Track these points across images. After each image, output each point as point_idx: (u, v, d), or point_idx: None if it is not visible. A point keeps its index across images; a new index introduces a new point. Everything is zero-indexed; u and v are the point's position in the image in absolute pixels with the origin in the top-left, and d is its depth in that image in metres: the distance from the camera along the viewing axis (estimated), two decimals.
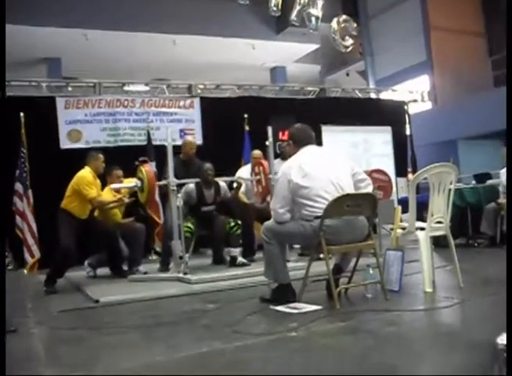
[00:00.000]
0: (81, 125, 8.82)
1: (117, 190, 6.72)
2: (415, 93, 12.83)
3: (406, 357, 2.77)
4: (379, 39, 17.79)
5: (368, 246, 4.32)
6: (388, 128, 11.31)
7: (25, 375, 2.84)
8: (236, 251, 6.49)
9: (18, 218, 7.75)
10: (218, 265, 6.70)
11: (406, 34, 16.40)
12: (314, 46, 17.75)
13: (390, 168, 10.56)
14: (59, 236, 5.87)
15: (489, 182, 8.13)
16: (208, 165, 6.55)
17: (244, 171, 6.99)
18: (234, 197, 6.82)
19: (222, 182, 6.68)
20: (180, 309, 4.36)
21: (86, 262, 6.86)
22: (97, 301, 4.87)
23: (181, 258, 5.88)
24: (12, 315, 4.32)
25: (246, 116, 9.39)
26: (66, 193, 6.06)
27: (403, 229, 4.74)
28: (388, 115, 11.30)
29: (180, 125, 9.31)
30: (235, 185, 6.75)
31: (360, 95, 12.03)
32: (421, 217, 4.85)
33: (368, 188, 4.39)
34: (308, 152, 4.39)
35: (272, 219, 4.34)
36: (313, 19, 10.55)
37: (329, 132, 10.21)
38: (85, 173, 6.09)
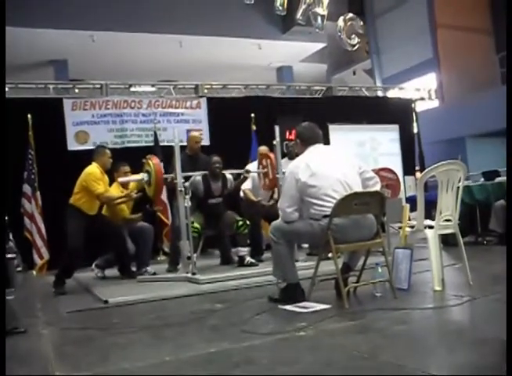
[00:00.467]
0: (88, 127, 8.84)
1: (125, 184, 6.70)
2: (422, 91, 12.78)
3: (415, 355, 2.76)
4: (385, 37, 17.73)
5: (376, 244, 4.31)
6: (396, 127, 11.28)
7: (26, 375, 2.85)
8: (244, 251, 6.48)
9: (27, 220, 7.81)
10: (227, 265, 6.70)
11: (413, 32, 16.34)
12: (320, 45, 17.72)
13: (397, 166, 10.53)
14: (66, 233, 5.87)
15: (498, 179, 8.08)
16: (216, 158, 6.54)
17: (251, 168, 6.98)
18: (237, 187, 6.80)
19: (229, 174, 6.68)
20: (189, 309, 4.36)
21: (94, 264, 6.87)
22: (106, 302, 4.88)
23: (189, 258, 5.89)
24: (21, 316, 4.35)
25: (253, 116, 9.40)
26: (74, 189, 6.06)
27: (412, 227, 4.72)
28: (395, 113, 11.27)
29: (187, 126, 9.31)
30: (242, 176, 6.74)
31: (367, 93, 12.01)
32: (429, 215, 4.83)
33: (376, 186, 4.38)
34: (315, 151, 4.38)
35: (279, 219, 4.33)
36: (319, 18, 10.55)
37: (336, 131, 10.19)
38: (93, 169, 6.08)
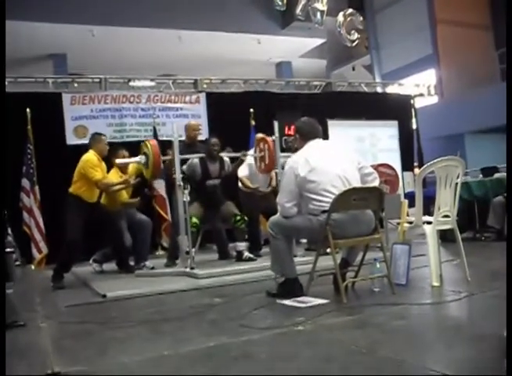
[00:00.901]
0: (87, 121, 8.83)
1: (124, 168, 6.66)
2: (421, 87, 12.78)
3: (414, 351, 2.77)
4: (385, 33, 17.72)
5: (375, 240, 4.32)
6: (395, 123, 11.29)
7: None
8: (243, 245, 6.49)
9: (25, 214, 7.81)
10: (225, 260, 6.71)
11: (412, 27, 16.33)
12: (320, 41, 17.71)
13: (396, 162, 10.54)
14: (65, 226, 5.88)
15: (496, 175, 8.09)
16: (215, 140, 6.54)
17: (248, 157, 6.96)
18: (235, 170, 6.79)
19: (226, 157, 6.68)
20: (187, 304, 4.37)
21: (91, 259, 6.87)
22: (104, 296, 4.89)
23: (187, 252, 5.90)
24: (20, 310, 4.36)
25: (252, 111, 9.39)
26: (73, 178, 6.05)
27: (410, 223, 4.73)
28: (395, 109, 11.27)
29: (186, 120, 9.26)
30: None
31: (366, 89, 12.01)
32: (428, 211, 4.84)
33: (375, 182, 4.38)
34: (314, 146, 4.38)
35: (278, 214, 4.33)
36: (318, 13, 10.56)
37: (335, 127, 10.19)
38: (90, 156, 6.08)
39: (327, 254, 4.29)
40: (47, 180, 7.91)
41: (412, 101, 11.91)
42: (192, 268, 5.74)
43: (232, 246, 6.68)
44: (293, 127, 9.26)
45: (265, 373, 2.56)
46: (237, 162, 6.71)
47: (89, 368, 2.83)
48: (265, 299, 4.25)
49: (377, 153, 10.84)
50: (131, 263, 6.57)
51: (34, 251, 7.71)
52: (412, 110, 11.76)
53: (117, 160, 6.56)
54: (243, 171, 7.03)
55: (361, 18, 11.88)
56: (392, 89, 12.63)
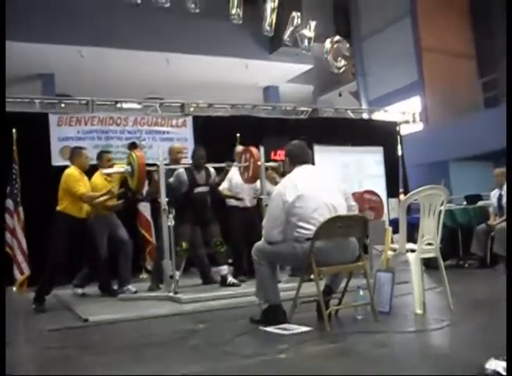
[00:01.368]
0: (73, 142, 8.76)
1: (108, 175, 6.67)
2: (407, 114, 12.91)
3: None
4: (371, 60, 17.92)
5: (358, 267, 4.32)
6: (380, 149, 11.37)
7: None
8: (226, 269, 6.46)
9: (8, 235, 7.73)
10: (209, 285, 6.67)
11: (398, 55, 16.54)
12: (307, 66, 17.85)
13: (382, 188, 10.61)
14: (50, 245, 5.85)
15: (480, 203, 8.19)
16: (202, 152, 6.59)
17: (234, 172, 7.00)
18: (220, 180, 6.79)
19: (212, 168, 6.70)
20: (170, 329, 4.35)
21: (73, 285, 6.82)
22: (86, 321, 4.84)
23: (171, 277, 5.87)
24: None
25: (238, 135, 9.42)
26: (59, 196, 6.05)
27: (394, 250, 4.75)
28: (380, 136, 11.36)
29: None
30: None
31: (352, 115, 12.10)
32: (412, 238, 4.87)
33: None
34: (303, 171, 4.38)
35: (262, 239, 4.34)
36: (306, 40, 10.65)
37: (321, 152, 10.23)
38: (71, 171, 6.10)
39: (311, 280, 4.29)
40: (31, 201, 7.85)
41: (397, 128, 12.02)
42: (176, 292, 5.71)
43: (216, 270, 6.65)
44: (279, 152, 9.38)
45: None
46: (223, 173, 6.74)
47: None
48: (248, 325, 4.23)
49: (363, 179, 10.90)
50: (115, 287, 6.52)
51: (16, 272, 7.63)
52: (398, 137, 11.87)
53: (104, 171, 6.57)
54: (222, 185, 7.03)
55: (348, 45, 11.99)
56: (378, 116, 12.75)
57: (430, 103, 15.78)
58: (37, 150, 8.39)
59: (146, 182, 6.60)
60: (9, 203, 7.80)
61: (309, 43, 10.85)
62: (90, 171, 6.55)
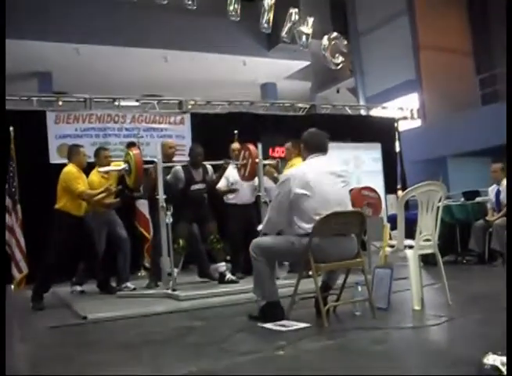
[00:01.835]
0: (71, 140, 8.75)
1: (105, 173, 6.68)
2: (405, 110, 12.90)
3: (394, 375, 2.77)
4: (369, 57, 17.91)
5: (357, 263, 4.32)
6: (378, 145, 11.34)
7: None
8: (224, 266, 6.45)
9: (6, 233, 7.72)
10: (208, 282, 6.66)
11: (396, 51, 16.53)
12: (305, 63, 17.84)
13: (380, 184, 10.59)
14: (49, 244, 5.85)
15: (478, 199, 8.18)
16: (200, 149, 6.58)
17: (230, 170, 6.99)
18: (218, 178, 6.77)
19: (209, 166, 6.69)
20: (168, 327, 4.34)
21: (71, 283, 6.81)
22: (85, 318, 4.84)
23: (169, 274, 5.87)
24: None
25: (236, 132, 9.40)
26: (57, 195, 6.04)
27: (392, 246, 4.76)
28: (378, 132, 11.34)
29: None
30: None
31: (350, 112, 12.08)
32: (411, 234, 4.87)
33: None
34: (316, 163, 4.36)
35: (261, 233, 4.34)
36: (303, 36, 10.60)
37: None
38: (69, 168, 6.09)
39: (309, 276, 4.29)
40: (29, 199, 7.84)
41: (395, 124, 12.02)
42: (174, 290, 5.71)
43: (214, 267, 6.64)
44: (277, 149, 9.38)
45: None
46: (220, 170, 6.73)
47: None
48: (246, 322, 4.23)
49: (361, 175, 10.88)
50: (113, 284, 6.52)
51: (15, 270, 7.62)
52: (396, 133, 11.87)
53: (101, 169, 6.57)
54: (219, 184, 7.02)
55: (345, 42, 11.94)
56: (376, 112, 12.73)
57: (427, 100, 15.78)
58: (34, 148, 8.38)
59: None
60: (7, 201, 7.79)
61: (307, 39, 10.81)
62: (87, 169, 6.54)
